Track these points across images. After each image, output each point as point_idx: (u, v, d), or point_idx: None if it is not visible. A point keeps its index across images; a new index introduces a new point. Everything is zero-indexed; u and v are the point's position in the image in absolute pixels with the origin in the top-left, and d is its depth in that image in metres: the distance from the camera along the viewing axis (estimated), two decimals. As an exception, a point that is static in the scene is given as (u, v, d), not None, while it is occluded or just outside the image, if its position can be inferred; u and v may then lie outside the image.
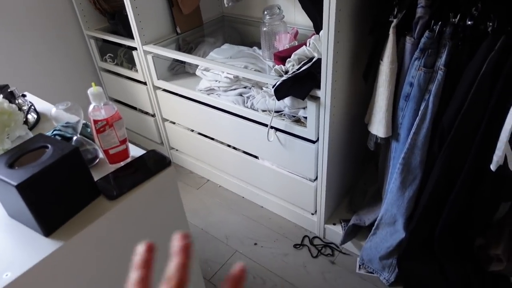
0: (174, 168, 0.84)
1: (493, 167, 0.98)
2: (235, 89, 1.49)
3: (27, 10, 1.72)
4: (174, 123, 1.83)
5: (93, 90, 0.77)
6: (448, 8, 0.98)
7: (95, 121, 0.78)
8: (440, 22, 0.98)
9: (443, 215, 1.16)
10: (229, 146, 1.65)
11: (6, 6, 1.65)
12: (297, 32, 1.55)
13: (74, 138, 0.84)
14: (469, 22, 0.95)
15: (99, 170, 0.84)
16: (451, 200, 1.11)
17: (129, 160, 0.86)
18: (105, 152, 0.82)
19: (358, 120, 1.34)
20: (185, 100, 1.65)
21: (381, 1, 1.10)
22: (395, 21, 1.04)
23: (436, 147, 1.09)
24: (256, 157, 1.57)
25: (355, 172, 1.62)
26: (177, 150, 1.96)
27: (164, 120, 1.86)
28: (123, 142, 0.83)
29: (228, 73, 1.45)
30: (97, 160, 0.86)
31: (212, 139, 1.70)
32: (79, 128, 0.85)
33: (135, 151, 0.89)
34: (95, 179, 0.78)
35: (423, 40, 1.00)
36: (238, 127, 1.51)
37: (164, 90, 1.73)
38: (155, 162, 0.84)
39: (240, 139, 1.55)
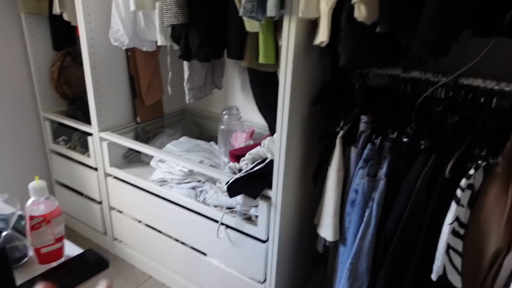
0: (114, 266, 0.78)
1: (433, 276, 1.01)
2: (188, 182, 1.49)
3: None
4: (121, 212, 1.75)
5: (35, 184, 0.73)
6: (388, 125, 1.10)
7: (31, 217, 0.73)
8: (380, 137, 1.09)
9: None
10: (177, 240, 1.58)
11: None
12: (253, 131, 1.63)
13: (3, 233, 0.77)
14: (405, 139, 1.06)
15: (26, 271, 0.76)
16: (398, 310, 1.10)
17: (62, 260, 0.79)
18: (36, 250, 0.75)
19: (308, 221, 1.35)
20: (136, 189, 1.60)
21: (329, 114, 1.21)
22: (341, 132, 1.14)
23: (381, 253, 1.11)
24: (204, 254, 1.51)
25: (305, 273, 1.58)
26: (120, 241, 1.83)
27: (111, 208, 1.77)
28: (59, 240, 0.77)
29: (183, 166, 1.46)
30: (26, 259, 0.79)
31: (160, 232, 1.62)
32: (12, 222, 0.79)
33: (70, 250, 0.82)
34: (20, 282, 0.70)
35: (365, 151, 1.09)
36: (188, 221, 1.46)
37: (115, 177, 1.69)
38: (92, 264, 0.78)
39: (189, 234, 1.50)
